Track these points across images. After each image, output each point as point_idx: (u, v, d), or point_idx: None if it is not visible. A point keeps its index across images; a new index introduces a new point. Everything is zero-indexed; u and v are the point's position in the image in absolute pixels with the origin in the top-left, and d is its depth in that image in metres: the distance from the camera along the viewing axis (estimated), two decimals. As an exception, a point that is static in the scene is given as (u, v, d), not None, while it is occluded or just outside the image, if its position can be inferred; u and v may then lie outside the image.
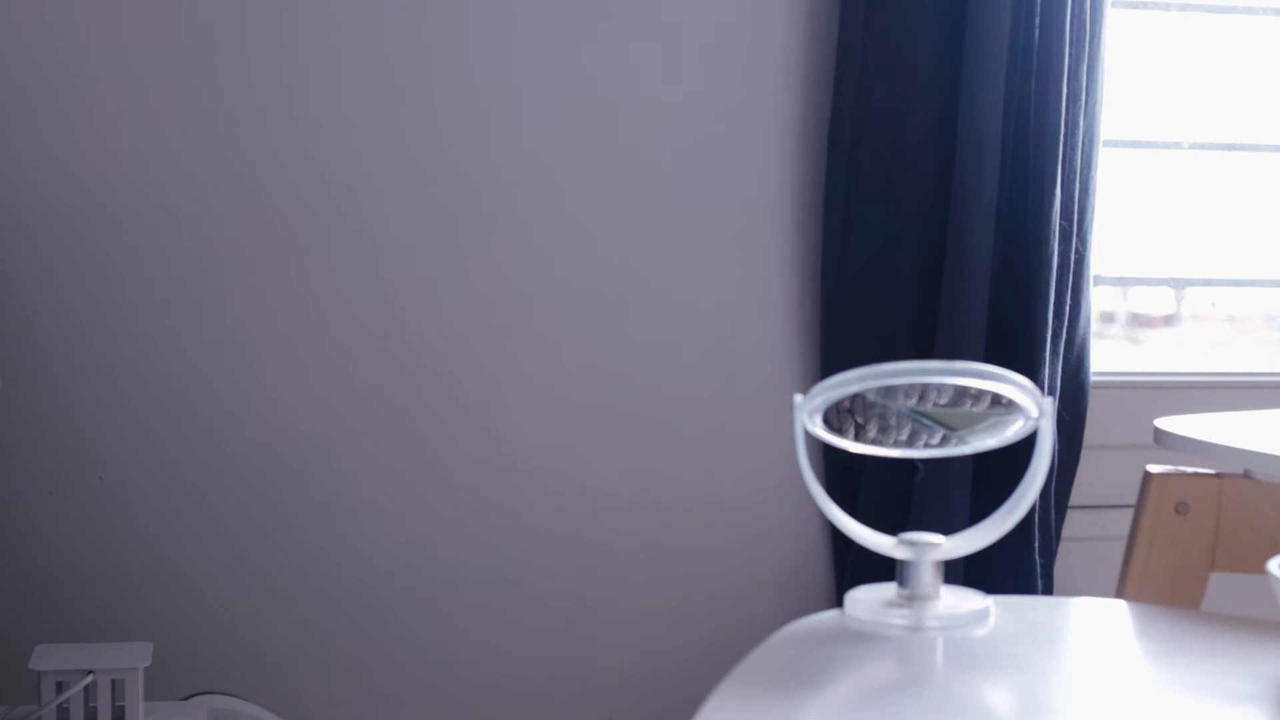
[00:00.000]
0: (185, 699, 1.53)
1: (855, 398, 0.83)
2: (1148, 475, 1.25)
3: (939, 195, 1.73)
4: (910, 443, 0.85)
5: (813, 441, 0.84)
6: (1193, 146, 1.96)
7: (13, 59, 1.60)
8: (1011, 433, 0.83)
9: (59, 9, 1.60)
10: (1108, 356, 1.95)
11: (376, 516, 1.72)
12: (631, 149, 1.74)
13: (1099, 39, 1.76)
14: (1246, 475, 1.24)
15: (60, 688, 1.34)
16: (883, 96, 1.72)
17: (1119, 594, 1.24)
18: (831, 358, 1.75)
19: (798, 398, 0.85)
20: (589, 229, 1.74)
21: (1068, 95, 1.72)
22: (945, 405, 0.83)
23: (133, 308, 1.65)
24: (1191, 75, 1.97)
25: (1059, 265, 1.74)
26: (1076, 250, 1.75)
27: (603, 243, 1.75)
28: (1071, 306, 1.76)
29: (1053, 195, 1.71)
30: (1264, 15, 1.98)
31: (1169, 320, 2.04)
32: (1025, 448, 0.84)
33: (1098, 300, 1.91)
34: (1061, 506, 1.79)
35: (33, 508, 1.64)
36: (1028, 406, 0.81)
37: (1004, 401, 0.83)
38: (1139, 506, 1.25)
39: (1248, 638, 0.83)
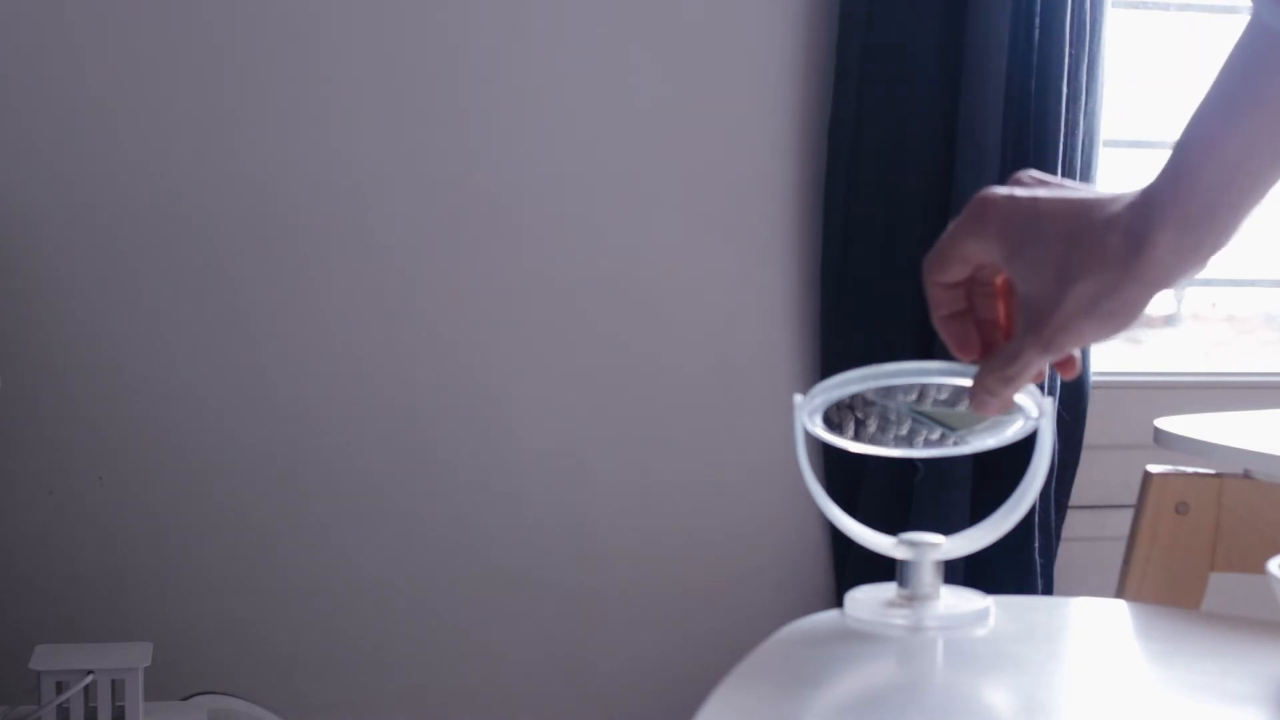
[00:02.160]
0: (185, 699, 1.52)
1: (855, 396, 0.83)
2: (1148, 475, 1.25)
3: (939, 195, 1.73)
4: (910, 440, 0.85)
5: (813, 441, 0.84)
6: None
7: (14, 58, 1.59)
8: (1011, 433, 0.83)
9: (61, 7, 1.60)
10: (1108, 356, 1.95)
11: (377, 516, 1.72)
12: (632, 149, 1.74)
13: (1099, 39, 1.76)
14: (1246, 475, 1.24)
15: (60, 688, 1.34)
16: (883, 96, 1.72)
17: (1119, 594, 1.24)
18: (831, 358, 1.75)
19: (798, 398, 0.85)
20: (590, 229, 1.74)
21: (1068, 95, 1.72)
22: (945, 403, 0.83)
23: (133, 307, 1.64)
24: (1191, 75, 1.97)
25: (1059, 265, 1.73)
26: (1076, 250, 1.75)
27: (603, 242, 1.75)
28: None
29: (1053, 195, 1.71)
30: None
31: (1169, 320, 2.04)
32: (1025, 448, 0.84)
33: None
34: (1061, 506, 1.79)
35: (33, 508, 1.64)
36: (1028, 407, 0.81)
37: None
38: (1139, 506, 1.25)
39: (1248, 638, 0.83)
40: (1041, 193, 0.74)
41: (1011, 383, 0.76)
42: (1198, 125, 0.70)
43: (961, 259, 0.76)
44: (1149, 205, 0.70)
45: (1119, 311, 0.71)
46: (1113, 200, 0.72)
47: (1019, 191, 0.74)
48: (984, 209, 0.75)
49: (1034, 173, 0.77)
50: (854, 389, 0.82)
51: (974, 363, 0.79)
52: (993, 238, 0.74)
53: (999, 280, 0.78)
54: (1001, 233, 0.74)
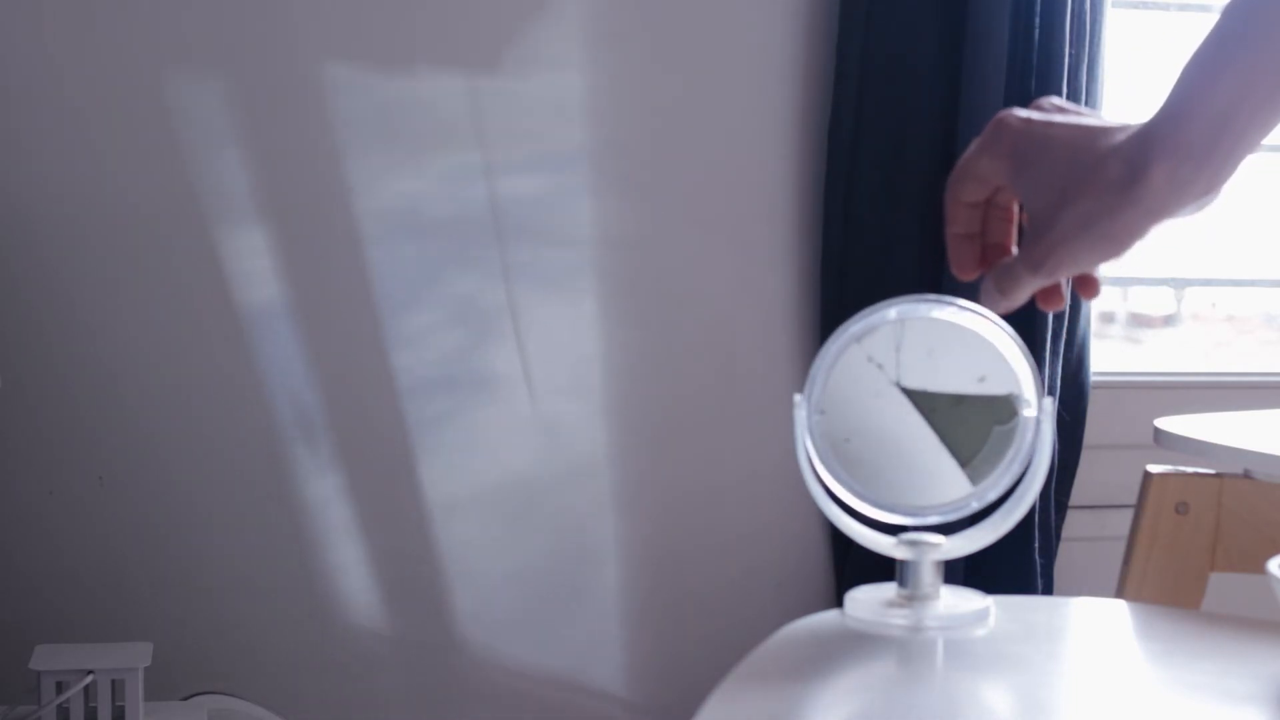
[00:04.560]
0: (185, 699, 1.52)
1: None
2: (1148, 475, 1.25)
3: (939, 195, 1.72)
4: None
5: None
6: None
7: (14, 57, 1.59)
8: (1011, 454, 0.84)
9: (62, 5, 1.60)
10: (1108, 356, 1.95)
11: (376, 515, 1.72)
12: (631, 148, 1.74)
13: (1099, 39, 1.76)
14: (1246, 475, 1.24)
15: (60, 688, 1.34)
16: (883, 97, 1.72)
17: (1119, 594, 1.24)
18: (831, 358, 1.75)
19: (797, 397, 0.85)
20: (589, 229, 1.74)
21: (1068, 95, 1.72)
22: (951, 402, 0.83)
23: (133, 308, 1.64)
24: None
25: (1059, 265, 1.73)
26: (1076, 250, 1.75)
27: (602, 242, 1.75)
28: (1071, 306, 1.76)
29: (1053, 195, 1.71)
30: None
31: (1169, 320, 2.04)
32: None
33: (1098, 300, 1.90)
34: (1061, 506, 1.79)
35: (33, 508, 1.64)
36: (1026, 388, 0.82)
37: (1001, 399, 0.83)
38: (1139, 506, 1.25)
39: (1248, 638, 0.83)
40: (1056, 118, 0.77)
41: (1005, 297, 0.80)
42: (1198, 61, 0.72)
43: (977, 178, 0.80)
44: (1149, 136, 0.72)
45: (1112, 235, 0.73)
46: (1120, 129, 0.74)
47: (1035, 115, 0.78)
48: (999, 130, 0.78)
49: (1055, 99, 0.80)
50: (856, 328, 0.84)
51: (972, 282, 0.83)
52: (1004, 157, 0.78)
53: (1014, 206, 0.82)
54: (1012, 153, 0.77)
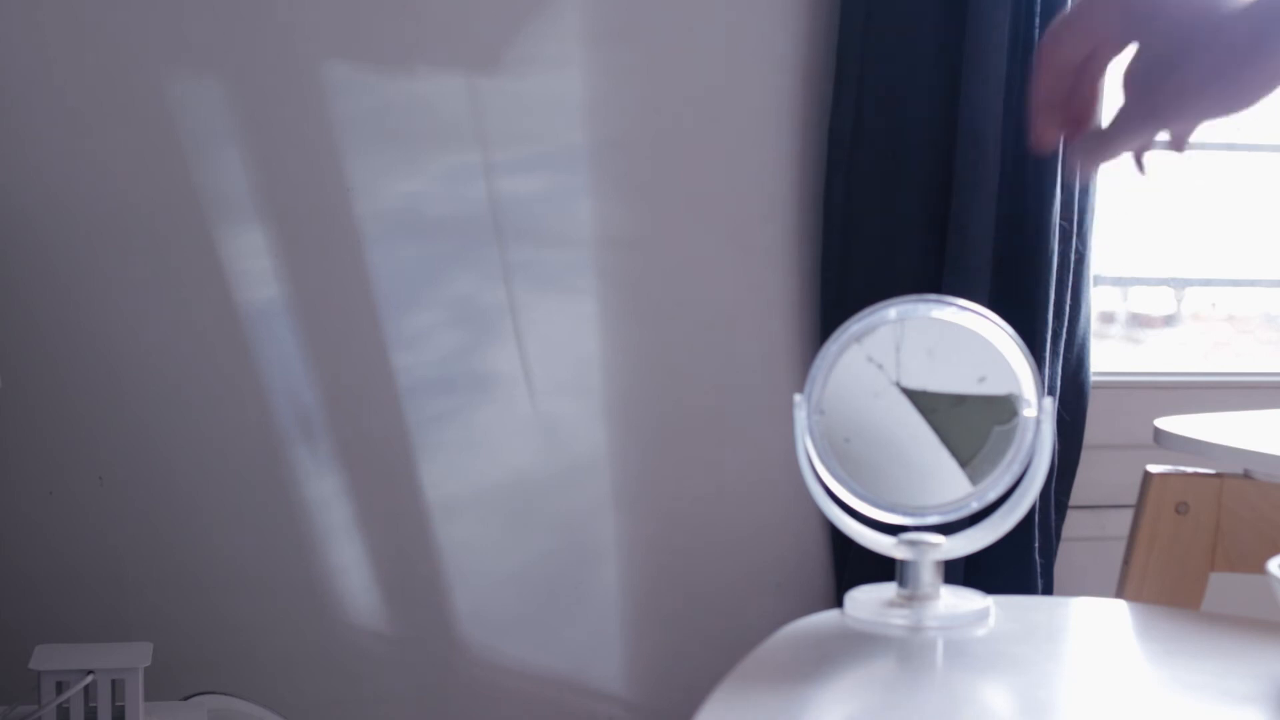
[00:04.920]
0: (185, 699, 1.52)
1: None
2: (1148, 475, 1.25)
3: (939, 195, 1.73)
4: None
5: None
6: (1193, 146, 1.96)
7: (14, 57, 1.59)
8: (1011, 454, 0.84)
9: (61, 5, 1.60)
10: (1108, 356, 1.95)
11: (376, 515, 1.72)
12: (631, 148, 1.74)
13: (1099, 39, 1.75)
14: (1246, 475, 1.24)
15: (60, 688, 1.34)
16: (883, 96, 1.72)
17: (1119, 594, 1.24)
18: (831, 358, 1.75)
19: (798, 397, 0.85)
20: (589, 229, 1.74)
21: (1068, 95, 1.71)
22: (951, 402, 0.83)
23: (134, 308, 1.64)
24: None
25: (1059, 265, 1.74)
26: (1076, 250, 1.75)
27: (602, 242, 1.75)
28: (1071, 306, 1.76)
29: (1053, 195, 1.71)
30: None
31: (1169, 320, 2.04)
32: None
33: (1098, 300, 1.91)
34: (1061, 506, 1.79)
35: (33, 508, 1.64)
36: (1026, 388, 0.82)
37: (1001, 399, 0.83)
38: (1139, 506, 1.25)
39: (1248, 638, 0.83)
40: None
41: (1109, 144, 0.81)
42: None
43: (1083, 31, 0.80)
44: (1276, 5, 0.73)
45: (1236, 91, 0.74)
46: None
47: None
48: None
49: None
50: (854, 328, 0.84)
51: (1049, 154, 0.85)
52: (1116, 9, 0.78)
53: (1101, 80, 0.82)
54: (1126, 7, 0.78)
